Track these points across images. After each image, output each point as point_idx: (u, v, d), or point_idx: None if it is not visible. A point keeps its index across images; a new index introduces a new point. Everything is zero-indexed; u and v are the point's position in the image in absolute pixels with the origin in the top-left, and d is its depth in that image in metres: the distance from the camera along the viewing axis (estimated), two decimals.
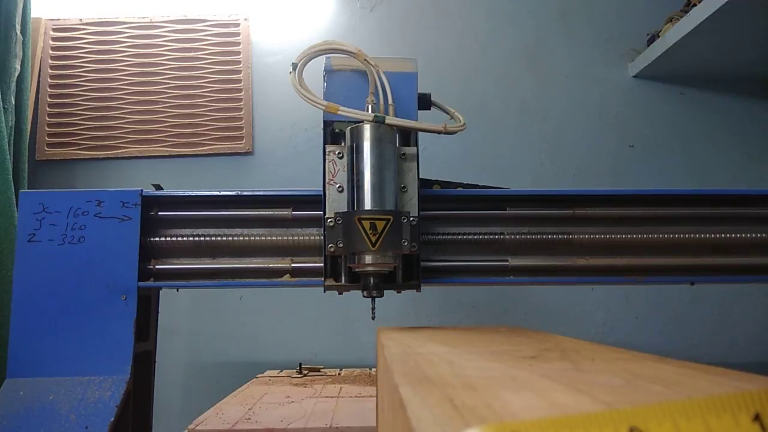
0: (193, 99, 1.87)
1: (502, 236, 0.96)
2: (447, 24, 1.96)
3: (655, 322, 1.84)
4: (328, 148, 0.88)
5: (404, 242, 0.81)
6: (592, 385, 0.29)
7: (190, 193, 0.97)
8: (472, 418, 0.22)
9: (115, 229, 0.91)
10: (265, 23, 1.93)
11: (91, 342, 0.88)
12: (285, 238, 0.95)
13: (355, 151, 0.84)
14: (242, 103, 1.87)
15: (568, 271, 0.96)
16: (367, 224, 0.79)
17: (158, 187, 0.98)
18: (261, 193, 0.97)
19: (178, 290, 0.98)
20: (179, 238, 0.95)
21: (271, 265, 0.94)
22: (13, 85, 1.62)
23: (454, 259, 0.96)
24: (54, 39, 1.88)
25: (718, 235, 0.97)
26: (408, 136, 0.92)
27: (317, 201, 0.89)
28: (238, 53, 1.90)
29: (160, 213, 0.95)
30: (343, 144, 0.89)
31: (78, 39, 1.88)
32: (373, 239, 0.79)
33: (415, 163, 0.89)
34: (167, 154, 1.85)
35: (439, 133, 0.89)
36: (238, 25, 1.91)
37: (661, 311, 1.84)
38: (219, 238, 0.95)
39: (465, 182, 0.99)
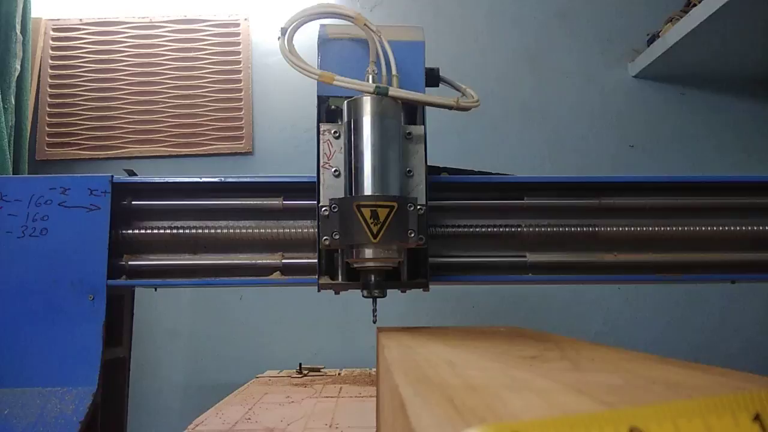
0: (193, 99, 1.87)
1: (519, 229, 0.85)
2: (447, 24, 1.96)
3: (655, 322, 1.84)
4: (323, 126, 0.77)
5: (410, 234, 0.70)
6: (592, 385, 0.29)
7: (168, 180, 0.86)
8: (472, 418, 0.22)
9: (82, 220, 0.81)
10: (265, 23, 1.93)
11: (53, 348, 0.78)
12: (275, 231, 0.85)
13: (353, 128, 0.73)
14: (242, 103, 1.87)
15: (593, 268, 0.86)
16: (367, 212, 0.68)
17: (131, 173, 0.88)
18: (248, 179, 0.87)
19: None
20: (156, 231, 0.85)
21: (259, 262, 0.85)
22: (13, 85, 1.62)
23: (464, 255, 0.86)
24: (54, 39, 1.88)
25: (761, 228, 0.86)
26: (414, 113, 0.81)
27: (312, 189, 0.79)
28: (238, 53, 1.90)
29: (134, 202, 0.86)
30: (339, 122, 0.78)
31: (78, 39, 1.88)
32: (375, 230, 0.68)
33: (423, 145, 0.77)
34: (167, 154, 1.85)
35: (450, 108, 0.78)
36: (238, 25, 1.91)
37: (661, 311, 1.84)
38: (201, 231, 0.85)
39: (477, 170, 0.88)
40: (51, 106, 1.85)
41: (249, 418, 1.02)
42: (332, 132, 0.77)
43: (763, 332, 1.83)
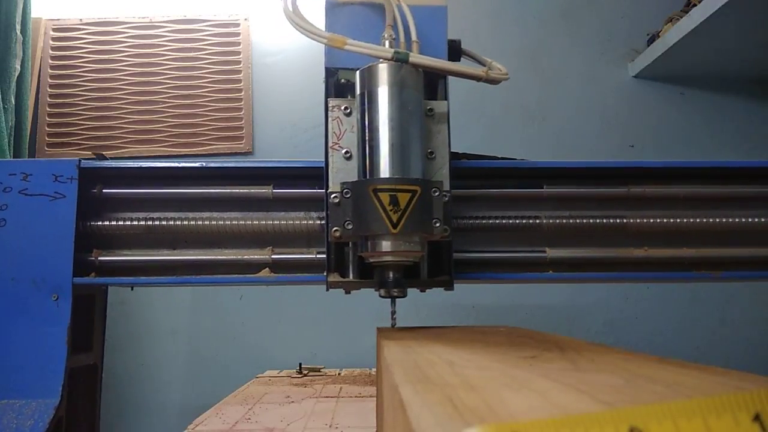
0: (193, 99, 1.87)
1: (538, 221, 0.77)
2: (448, 23, 1.96)
3: (655, 322, 1.84)
4: (332, 102, 0.68)
5: (435, 223, 0.61)
6: (592, 385, 0.29)
7: (143, 165, 0.77)
8: (472, 418, 0.22)
9: (46, 209, 0.72)
10: (265, 23, 1.93)
11: (10, 355, 0.69)
12: (264, 222, 0.76)
13: (367, 101, 0.63)
14: (242, 103, 1.87)
15: (621, 264, 0.77)
16: (385, 197, 0.58)
17: (101, 157, 0.78)
18: (233, 165, 0.78)
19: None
20: (130, 223, 0.76)
21: (246, 257, 0.76)
22: (13, 85, 1.62)
23: (476, 250, 0.78)
24: (54, 39, 1.88)
25: None
26: (435, 88, 0.72)
27: (305, 176, 0.72)
28: (238, 53, 1.90)
29: (104, 190, 0.77)
30: (350, 97, 0.69)
31: (78, 39, 1.88)
32: (395, 218, 0.58)
33: (446, 124, 0.69)
34: (167, 154, 1.85)
35: (479, 79, 0.68)
36: (238, 25, 1.91)
37: (661, 311, 1.84)
38: (181, 223, 0.76)
39: (500, 156, 0.79)
40: (51, 106, 1.85)
41: (249, 418, 1.02)
42: (342, 108, 0.67)
43: (763, 332, 1.83)
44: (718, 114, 1.92)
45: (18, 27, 1.63)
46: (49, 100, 1.85)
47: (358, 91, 0.65)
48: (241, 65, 1.89)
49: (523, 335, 0.65)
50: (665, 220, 0.78)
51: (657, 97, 1.93)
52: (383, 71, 0.63)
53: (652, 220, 0.78)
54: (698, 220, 0.78)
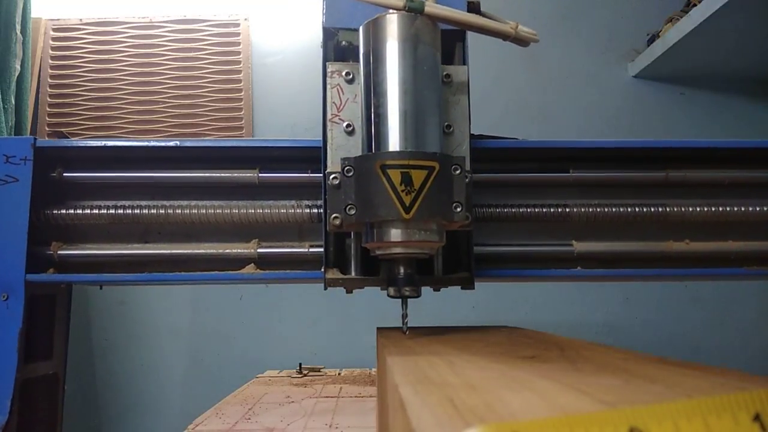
0: (193, 99, 1.87)
1: (564, 210, 0.68)
2: None
3: (655, 322, 1.84)
4: (331, 66, 0.58)
5: (456, 208, 0.50)
6: (592, 385, 0.29)
7: (108, 144, 0.67)
8: (472, 418, 0.22)
9: None
10: (265, 23, 1.93)
11: None
12: (249, 212, 0.67)
13: (373, 61, 0.52)
14: (242, 103, 1.87)
15: (658, 259, 0.69)
16: (396, 176, 0.47)
17: (62, 136, 0.71)
18: (212, 145, 0.69)
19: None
20: (95, 212, 0.67)
21: (228, 251, 0.67)
22: (13, 85, 1.62)
23: (494, 243, 0.69)
24: (54, 39, 1.88)
25: None
26: (451, 52, 0.63)
27: (295, 159, 0.64)
28: (238, 53, 1.90)
29: (66, 174, 0.68)
30: (353, 62, 0.58)
31: (78, 39, 1.88)
32: (407, 201, 0.47)
33: (466, 95, 0.60)
34: None
35: (506, 37, 0.61)
36: (238, 25, 1.91)
37: (661, 311, 1.84)
38: (153, 212, 0.67)
39: (517, 137, 0.71)
40: (51, 106, 1.85)
41: (249, 418, 1.02)
42: (343, 73, 0.58)
43: (763, 332, 1.83)
44: (719, 114, 1.92)
45: (18, 27, 1.63)
46: (49, 100, 1.85)
47: (362, 50, 0.54)
48: (241, 65, 1.89)
49: (523, 335, 0.64)
50: (708, 209, 0.68)
51: (657, 97, 1.93)
52: (393, 23, 0.52)
53: (693, 209, 0.68)
54: (746, 208, 0.68)
